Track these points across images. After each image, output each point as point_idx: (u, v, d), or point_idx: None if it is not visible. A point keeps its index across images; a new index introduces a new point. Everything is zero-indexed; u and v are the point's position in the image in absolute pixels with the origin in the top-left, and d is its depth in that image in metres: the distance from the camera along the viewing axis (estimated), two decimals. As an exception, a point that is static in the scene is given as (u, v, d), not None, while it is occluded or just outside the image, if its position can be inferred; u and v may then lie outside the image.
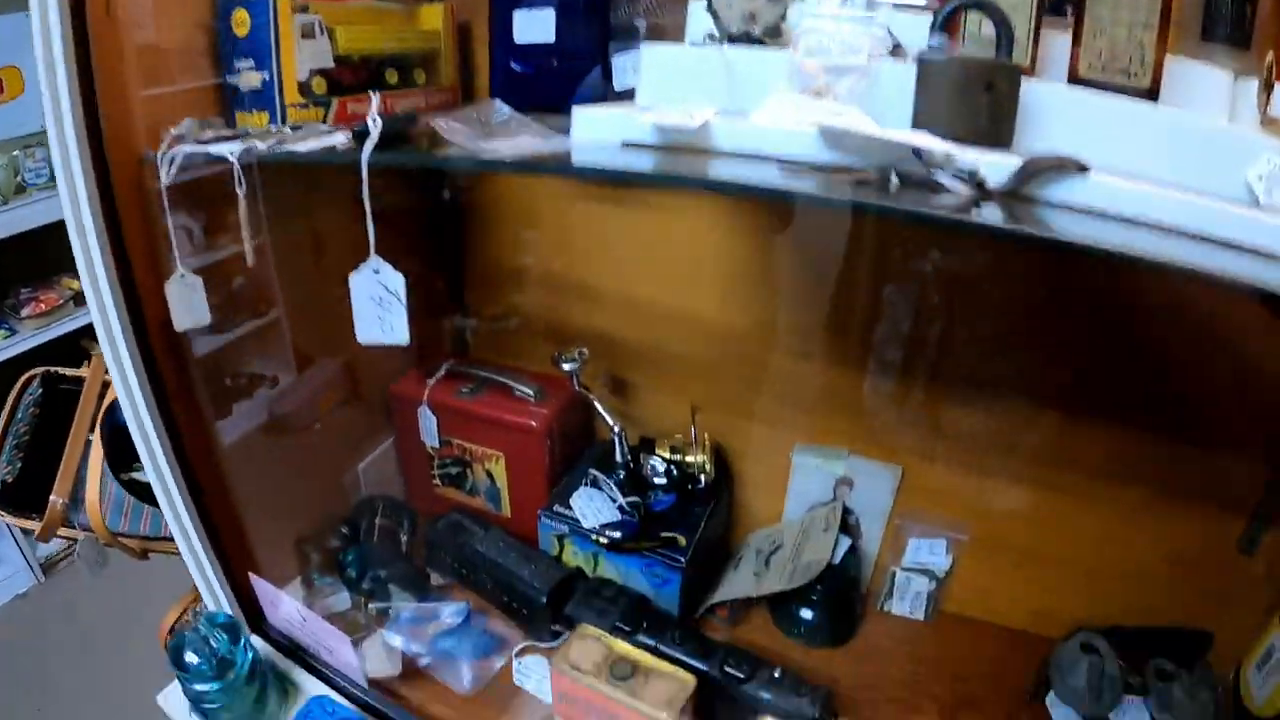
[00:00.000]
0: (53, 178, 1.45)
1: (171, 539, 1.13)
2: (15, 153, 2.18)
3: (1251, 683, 0.94)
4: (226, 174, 0.86)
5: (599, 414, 1.19)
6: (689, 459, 1.18)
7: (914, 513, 1.19)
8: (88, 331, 1.02)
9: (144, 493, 1.25)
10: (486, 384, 1.30)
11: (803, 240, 1.11)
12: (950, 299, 1.02)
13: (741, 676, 0.99)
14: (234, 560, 1.15)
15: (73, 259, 0.90)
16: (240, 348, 1.20)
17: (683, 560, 1.11)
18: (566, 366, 1.17)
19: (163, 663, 1.03)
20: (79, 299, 2.36)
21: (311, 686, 1.13)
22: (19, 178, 2.20)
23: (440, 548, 1.28)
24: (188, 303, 0.97)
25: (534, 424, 1.23)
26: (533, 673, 1.10)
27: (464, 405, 1.28)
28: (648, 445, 1.21)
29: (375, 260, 0.84)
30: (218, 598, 1.15)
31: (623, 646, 0.95)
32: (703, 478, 1.18)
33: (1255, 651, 0.95)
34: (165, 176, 0.87)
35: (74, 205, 0.87)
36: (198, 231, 1.03)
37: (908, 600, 1.22)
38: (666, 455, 1.19)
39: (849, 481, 1.19)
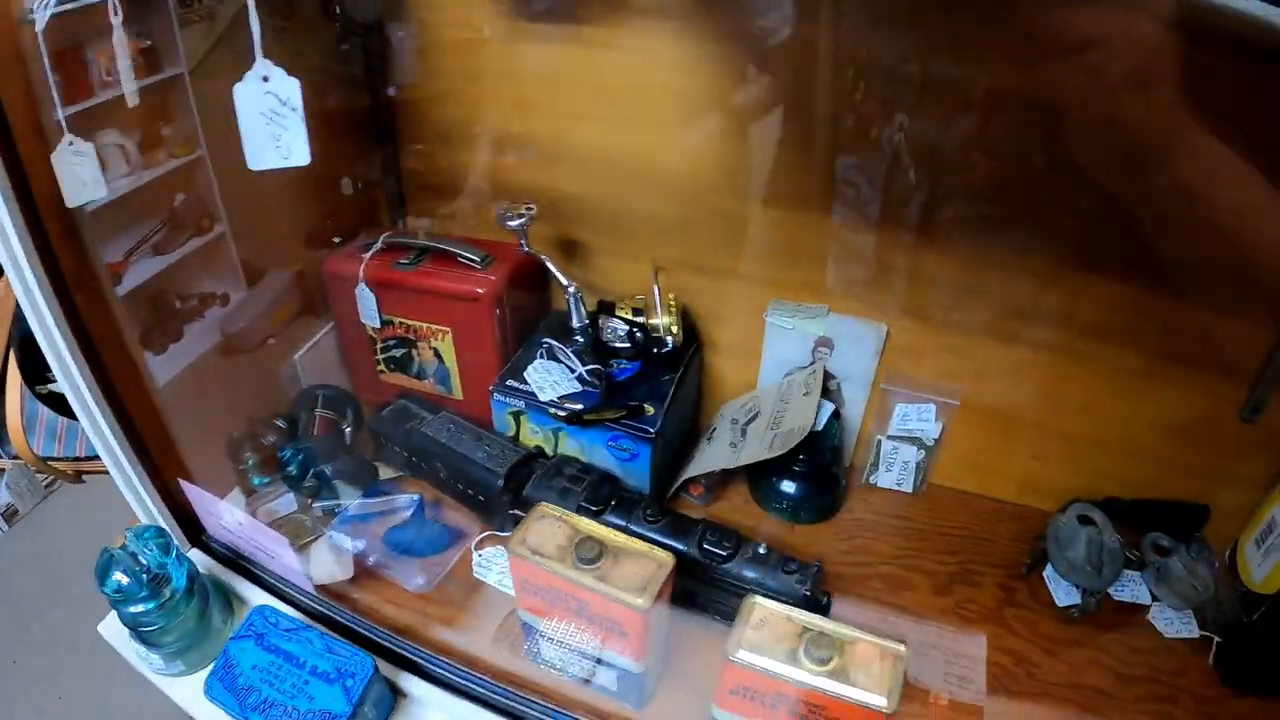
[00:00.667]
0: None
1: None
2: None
3: (1250, 559, 0.94)
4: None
5: (553, 276, 1.08)
6: (653, 321, 1.09)
7: (901, 376, 1.12)
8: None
9: (62, 405, 1.16)
10: (428, 253, 1.18)
11: (774, 78, 1.00)
12: (938, 139, 0.93)
13: (723, 555, 0.92)
14: (164, 468, 1.06)
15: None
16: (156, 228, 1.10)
17: (652, 430, 1.03)
18: (513, 224, 1.05)
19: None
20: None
21: (257, 598, 1.05)
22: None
23: (387, 437, 1.20)
24: (79, 174, 0.87)
25: (480, 291, 1.12)
26: (494, 564, 1.04)
27: (403, 278, 1.16)
28: (607, 308, 1.11)
29: (263, 65, 0.69)
30: (150, 510, 1.07)
31: (588, 525, 0.86)
32: (670, 340, 1.09)
33: (1254, 526, 0.95)
34: (40, 23, 0.79)
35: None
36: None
37: (895, 471, 1.16)
38: (628, 316, 1.09)
39: (829, 343, 1.11)
